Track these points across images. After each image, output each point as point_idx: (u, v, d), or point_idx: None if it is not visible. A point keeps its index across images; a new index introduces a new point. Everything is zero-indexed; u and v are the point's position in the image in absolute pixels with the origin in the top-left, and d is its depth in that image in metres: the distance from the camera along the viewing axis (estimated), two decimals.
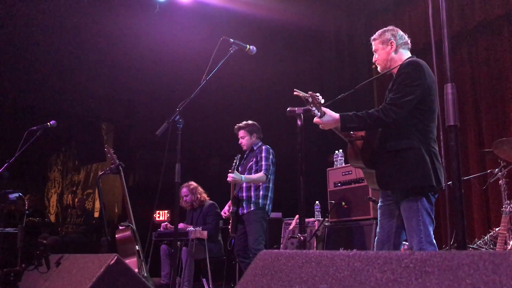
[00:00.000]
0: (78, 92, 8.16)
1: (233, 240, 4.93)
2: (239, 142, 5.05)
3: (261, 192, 4.83)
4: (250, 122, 5.05)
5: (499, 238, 4.14)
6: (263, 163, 4.82)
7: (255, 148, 4.99)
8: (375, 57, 3.18)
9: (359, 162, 3.15)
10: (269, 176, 4.82)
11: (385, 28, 3.18)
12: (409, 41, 3.17)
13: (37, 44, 7.10)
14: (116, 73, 7.76)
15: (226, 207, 5.06)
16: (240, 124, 5.04)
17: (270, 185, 4.89)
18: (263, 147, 4.94)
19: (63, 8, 6.69)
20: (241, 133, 5.01)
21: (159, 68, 7.54)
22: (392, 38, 3.09)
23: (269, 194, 4.88)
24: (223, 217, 5.11)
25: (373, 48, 3.18)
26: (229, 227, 4.94)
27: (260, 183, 4.82)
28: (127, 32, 7.00)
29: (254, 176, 4.81)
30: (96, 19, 6.85)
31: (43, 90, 7.92)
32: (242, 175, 4.77)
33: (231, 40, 3.60)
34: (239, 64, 5.79)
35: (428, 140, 2.86)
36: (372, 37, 3.20)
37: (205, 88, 3.47)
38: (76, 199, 9.17)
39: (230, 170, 4.74)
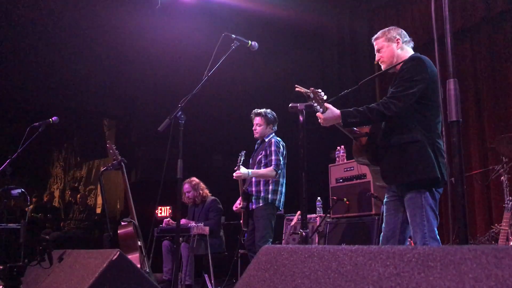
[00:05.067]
0: (80, 88, 8.17)
1: (246, 234, 4.86)
2: (253, 128, 4.83)
3: (270, 187, 4.65)
4: (269, 110, 4.85)
5: (501, 234, 4.15)
6: (273, 157, 4.62)
7: (265, 139, 4.79)
8: (379, 55, 3.17)
9: (364, 159, 3.17)
10: (278, 171, 4.63)
11: (388, 28, 3.20)
12: (411, 39, 3.19)
13: (39, 41, 7.10)
14: (118, 69, 7.76)
15: (238, 201, 4.97)
16: (260, 111, 4.83)
17: (281, 179, 4.71)
18: (273, 140, 4.73)
19: (65, 5, 6.69)
20: (258, 119, 4.79)
21: (161, 64, 7.55)
22: (398, 36, 3.13)
23: (279, 189, 4.70)
24: (234, 210, 5.01)
25: (376, 47, 3.18)
26: (241, 221, 4.88)
27: (270, 178, 4.67)
28: (128, 28, 6.99)
29: (262, 171, 4.65)
30: (98, 15, 6.84)
31: (45, 86, 7.93)
32: (249, 170, 4.60)
33: (233, 36, 3.60)
34: (241, 60, 5.79)
35: (432, 135, 2.87)
36: (375, 37, 3.21)
37: (207, 84, 3.47)
38: (79, 195, 9.19)
39: (236, 167, 4.62)
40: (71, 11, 6.79)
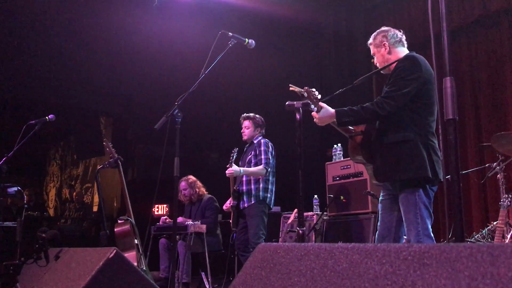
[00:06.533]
0: (76, 86, 8.14)
1: (234, 235, 4.93)
2: (242, 131, 5.02)
3: (261, 185, 4.80)
4: (257, 115, 5.05)
5: (497, 231, 4.16)
6: (263, 156, 4.80)
7: (254, 141, 4.97)
8: (375, 60, 3.21)
9: (360, 157, 3.18)
10: (269, 169, 4.80)
11: (377, 31, 3.21)
12: (403, 38, 3.18)
13: (36, 39, 7.07)
14: (114, 67, 7.73)
15: (228, 201, 5.06)
16: (249, 114, 5.03)
17: (270, 177, 4.88)
18: (262, 141, 4.92)
19: (62, 3, 6.66)
20: (247, 123, 4.99)
21: (158, 62, 7.52)
22: (384, 40, 3.13)
23: (270, 187, 4.86)
24: (224, 210, 5.10)
25: (371, 52, 3.23)
26: (230, 221, 4.93)
27: (260, 176, 4.81)
28: (126, 26, 6.97)
29: (253, 169, 4.80)
30: (95, 13, 6.82)
31: (42, 84, 7.90)
32: (241, 168, 4.77)
33: (230, 33, 3.59)
34: (238, 58, 5.78)
35: (426, 133, 2.88)
36: (368, 42, 3.25)
37: (204, 81, 3.46)
38: (74, 193, 9.15)
39: (228, 165, 4.75)
40: (68, 9, 6.77)
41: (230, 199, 5.03)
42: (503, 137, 4.40)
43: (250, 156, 4.90)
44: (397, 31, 3.18)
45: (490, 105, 6.07)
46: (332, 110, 2.97)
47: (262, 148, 4.84)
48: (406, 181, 2.87)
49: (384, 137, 2.96)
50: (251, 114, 5.04)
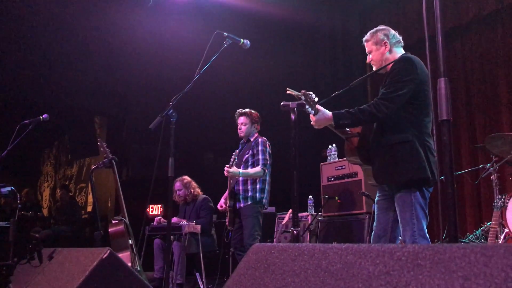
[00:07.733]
0: (71, 85, 8.12)
1: (230, 233, 4.91)
2: (239, 128, 4.94)
3: (258, 186, 4.75)
4: (253, 111, 4.97)
5: (490, 232, 4.18)
6: (260, 157, 4.74)
7: (251, 139, 4.91)
8: (370, 57, 3.18)
9: (356, 159, 3.19)
10: (266, 170, 4.75)
11: (376, 28, 3.18)
12: (401, 39, 3.17)
13: (30, 38, 7.04)
14: (109, 67, 7.71)
15: (222, 200, 5.04)
16: (245, 110, 4.94)
17: (267, 178, 4.83)
18: (260, 140, 4.85)
19: (56, 2, 6.63)
20: (244, 119, 4.91)
21: (153, 61, 7.51)
22: (385, 38, 3.10)
23: (266, 187, 4.81)
24: (219, 209, 5.08)
25: (367, 49, 3.18)
26: (226, 220, 4.92)
27: (258, 177, 4.77)
28: (120, 26, 6.95)
29: (251, 171, 4.74)
30: (89, 13, 6.80)
31: (36, 83, 7.87)
32: (240, 170, 4.71)
33: (225, 34, 3.59)
34: (233, 58, 5.78)
35: (422, 134, 2.89)
36: (364, 39, 3.19)
37: (199, 81, 3.46)
38: (59, 194, 9.06)
39: (228, 165, 4.68)
40: (63, 9, 6.74)
41: (223, 198, 5.03)
42: (497, 138, 4.42)
43: (247, 156, 4.83)
44: (395, 32, 3.17)
45: (484, 106, 6.10)
46: (329, 113, 2.97)
47: (260, 148, 4.77)
48: (403, 182, 2.87)
49: (382, 138, 2.97)
50: (247, 110, 4.94)
